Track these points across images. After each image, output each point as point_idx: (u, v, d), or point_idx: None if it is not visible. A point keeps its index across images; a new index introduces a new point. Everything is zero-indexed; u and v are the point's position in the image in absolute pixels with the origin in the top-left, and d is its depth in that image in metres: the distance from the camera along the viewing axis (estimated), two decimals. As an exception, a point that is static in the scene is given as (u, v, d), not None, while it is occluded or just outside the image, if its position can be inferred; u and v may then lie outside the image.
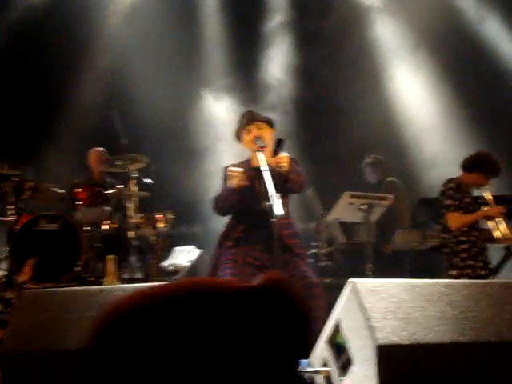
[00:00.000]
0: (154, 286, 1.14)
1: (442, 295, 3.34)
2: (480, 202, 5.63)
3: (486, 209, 5.56)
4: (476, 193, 5.71)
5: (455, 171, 5.84)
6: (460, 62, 8.96)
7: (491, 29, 9.20)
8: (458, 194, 5.57)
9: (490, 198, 5.60)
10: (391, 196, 6.61)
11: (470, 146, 7.49)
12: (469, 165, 5.63)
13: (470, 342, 3.16)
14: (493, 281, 4.40)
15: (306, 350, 1.15)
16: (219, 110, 9.35)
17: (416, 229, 7.11)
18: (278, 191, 4.04)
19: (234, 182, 4.46)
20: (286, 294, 1.13)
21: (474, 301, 3.37)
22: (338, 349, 3.38)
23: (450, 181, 5.68)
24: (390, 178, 7.59)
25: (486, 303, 3.38)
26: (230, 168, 4.53)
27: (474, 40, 9.14)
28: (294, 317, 1.12)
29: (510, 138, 8.31)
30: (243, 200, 4.60)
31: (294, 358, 1.13)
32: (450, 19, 9.10)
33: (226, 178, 4.69)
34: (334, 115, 9.35)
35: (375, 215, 6.56)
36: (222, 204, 4.63)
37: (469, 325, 3.23)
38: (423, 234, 6.97)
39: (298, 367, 1.13)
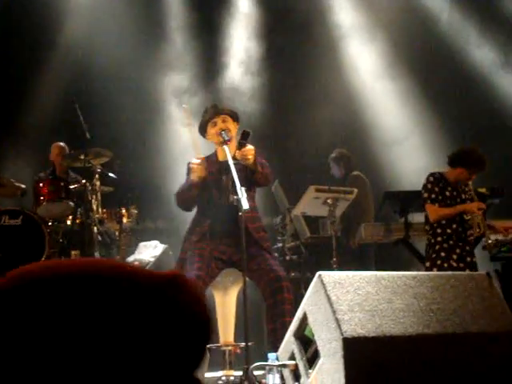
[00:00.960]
0: (57, 261, 1.09)
1: (408, 287, 3.37)
2: (464, 196, 5.67)
3: (466, 204, 5.61)
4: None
5: (420, 166, 5.91)
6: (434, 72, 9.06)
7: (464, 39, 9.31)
8: (437, 187, 5.61)
9: (471, 193, 5.65)
10: (356, 190, 6.64)
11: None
12: (453, 159, 5.68)
13: (436, 334, 3.20)
14: (457, 273, 4.44)
15: (201, 355, 1.09)
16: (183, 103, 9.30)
17: (381, 222, 7.15)
18: (243, 185, 4.04)
19: (194, 175, 4.45)
20: (188, 292, 1.08)
21: (439, 293, 3.40)
22: (305, 342, 3.38)
23: (432, 174, 5.72)
24: (355, 172, 7.62)
25: (451, 295, 3.42)
26: (190, 161, 4.51)
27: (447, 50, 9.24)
28: (191, 317, 1.07)
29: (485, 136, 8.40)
30: (209, 194, 4.59)
31: (187, 359, 1.07)
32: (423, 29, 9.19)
33: (189, 172, 4.68)
34: (299, 109, 9.36)
35: (340, 209, 6.58)
36: (183, 198, 4.62)
37: (434, 317, 3.26)
38: (388, 227, 7.02)
39: (191, 369, 1.08)
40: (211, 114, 4.65)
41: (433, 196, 5.61)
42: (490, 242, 5.63)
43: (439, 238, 5.59)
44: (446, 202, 5.61)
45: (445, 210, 5.58)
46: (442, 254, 5.55)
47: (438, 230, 5.61)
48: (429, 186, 5.65)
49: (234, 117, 4.72)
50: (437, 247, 5.59)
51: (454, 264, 5.50)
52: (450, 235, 5.57)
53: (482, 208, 5.54)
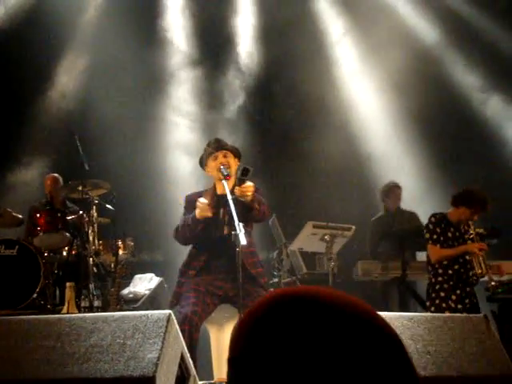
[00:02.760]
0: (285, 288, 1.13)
1: (405, 328, 3.35)
2: (466, 237, 5.67)
3: (467, 245, 5.61)
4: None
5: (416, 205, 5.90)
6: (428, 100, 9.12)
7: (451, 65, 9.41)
8: (439, 227, 5.62)
9: (472, 233, 5.65)
10: (353, 227, 6.64)
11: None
12: (456, 199, 5.70)
13: (432, 377, 3.16)
14: (454, 315, 4.40)
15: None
16: (182, 136, 9.34)
17: (377, 260, 7.13)
18: (241, 220, 4.03)
19: (201, 214, 4.41)
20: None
21: (436, 335, 3.38)
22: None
23: (434, 215, 5.75)
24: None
25: (448, 337, 3.39)
26: (199, 199, 4.48)
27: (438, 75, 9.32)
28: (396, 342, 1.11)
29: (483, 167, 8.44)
30: (206, 228, 4.57)
31: None
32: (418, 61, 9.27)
33: (188, 206, 4.66)
34: (296, 143, 9.39)
35: (337, 246, 6.57)
36: (185, 233, 4.58)
37: (431, 359, 3.23)
38: (385, 265, 7.00)
39: None
40: (213, 148, 4.66)
41: (434, 237, 5.61)
42: (493, 283, 5.61)
43: (440, 278, 5.59)
44: (448, 242, 5.62)
45: (446, 251, 5.59)
46: (442, 294, 5.54)
47: (440, 271, 5.61)
48: (431, 226, 5.66)
49: (236, 153, 4.72)
50: (437, 287, 5.59)
51: (452, 305, 5.48)
52: (451, 276, 5.57)
53: (483, 249, 5.54)
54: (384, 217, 7.32)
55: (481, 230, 5.79)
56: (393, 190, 7.29)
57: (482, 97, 9.27)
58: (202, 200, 4.45)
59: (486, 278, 5.68)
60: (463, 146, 8.96)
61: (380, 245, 7.14)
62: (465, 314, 4.49)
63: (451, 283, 5.55)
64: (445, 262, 5.60)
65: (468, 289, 5.59)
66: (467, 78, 9.36)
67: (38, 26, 8.86)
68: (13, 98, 8.81)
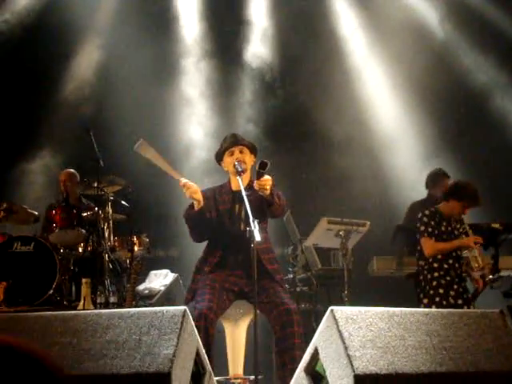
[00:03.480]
0: None
1: (421, 324, 3.33)
2: (460, 231, 5.60)
3: (461, 238, 5.54)
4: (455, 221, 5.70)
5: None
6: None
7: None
8: (433, 221, 5.55)
9: (467, 227, 5.58)
10: (368, 222, 6.62)
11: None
12: (447, 193, 5.63)
13: (448, 373, 3.15)
14: (470, 310, 4.39)
15: None
16: (199, 132, 9.35)
17: (393, 256, 7.11)
18: (256, 216, 4.02)
19: (188, 193, 4.38)
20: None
21: (452, 330, 3.36)
22: (316, 377, 3.34)
23: (426, 208, 5.67)
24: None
25: (464, 333, 3.37)
26: (186, 182, 4.41)
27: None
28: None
29: (488, 164, 8.39)
30: (221, 223, 4.58)
31: None
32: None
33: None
34: (312, 139, 9.37)
35: (352, 242, 6.56)
36: (187, 221, 4.56)
37: (447, 355, 3.21)
38: (400, 261, 6.97)
39: None
40: (229, 143, 4.66)
41: (429, 229, 5.53)
42: (490, 277, 5.54)
43: (436, 274, 5.50)
44: (442, 236, 5.54)
45: (442, 245, 5.51)
46: (441, 291, 5.46)
47: (435, 265, 5.52)
48: (425, 219, 5.57)
49: (252, 149, 4.71)
50: (434, 283, 5.50)
51: (452, 301, 5.42)
52: (448, 270, 5.49)
53: (478, 242, 5.46)
54: (426, 202, 7.21)
55: (497, 225, 5.75)
56: (442, 178, 7.07)
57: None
58: (182, 180, 4.41)
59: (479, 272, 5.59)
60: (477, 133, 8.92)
61: (395, 240, 7.10)
62: (481, 310, 4.47)
63: (448, 278, 5.47)
64: (439, 257, 5.52)
65: (463, 284, 5.52)
66: (477, 67, 9.31)
67: (54, 19, 8.90)
68: (27, 95, 8.85)
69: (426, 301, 5.49)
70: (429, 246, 5.52)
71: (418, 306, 5.48)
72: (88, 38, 9.35)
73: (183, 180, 4.40)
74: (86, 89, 9.26)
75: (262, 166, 4.19)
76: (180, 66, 9.61)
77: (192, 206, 4.51)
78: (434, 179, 7.07)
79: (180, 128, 9.42)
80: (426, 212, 5.59)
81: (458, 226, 5.62)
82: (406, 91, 9.24)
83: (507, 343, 3.42)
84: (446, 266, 5.49)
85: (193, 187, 4.39)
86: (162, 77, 9.32)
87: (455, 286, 5.46)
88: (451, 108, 9.09)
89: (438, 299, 5.44)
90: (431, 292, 5.48)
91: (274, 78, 9.62)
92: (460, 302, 5.42)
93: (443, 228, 5.56)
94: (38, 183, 8.76)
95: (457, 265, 5.50)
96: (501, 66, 9.18)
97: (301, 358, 3.57)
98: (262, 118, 9.36)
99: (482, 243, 5.49)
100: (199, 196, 4.41)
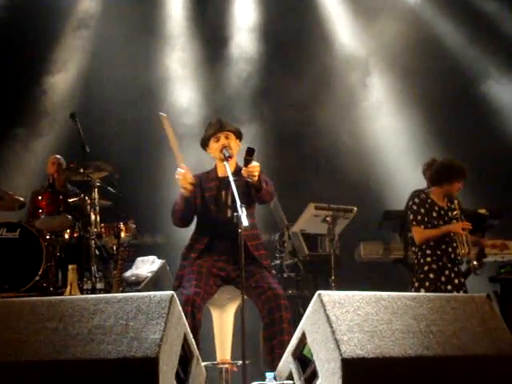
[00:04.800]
0: None
1: (408, 308, 3.34)
2: (451, 215, 5.58)
3: (450, 225, 5.52)
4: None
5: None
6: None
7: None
8: (423, 208, 5.54)
9: (457, 212, 5.56)
10: (355, 208, 6.63)
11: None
12: (435, 178, 5.61)
13: (435, 356, 3.16)
14: (457, 295, 4.42)
15: None
16: (186, 119, 9.31)
17: (380, 241, 7.13)
18: (243, 202, 4.01)
19: (181, 185, 4.40)
20: None
21: (439, 314, 3.37)
22: (304, 361, 3.35)
23: (417, 195, 5.64)
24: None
25: (451, 317, 3.38)
26: (181, 170, 4.43)
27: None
28: None
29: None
30: (207, 210, 4.57)
31: None
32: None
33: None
34: (298, 124, 9.36)
35: (339, 227, 6.57)
36: (174, 212, 4.57)
37: (434, 339, 3.23)
38: (387, 246, 6.99)
39: None
40: (215, 129, 4.63)
41: (418, 217, 5.52)
42: (474, 263, 5.53)
43: (428, 259, 5.50)
44: (432, 222, 5.53)
45: (430, 232, 5.50)
46: (431, 276, 5.46)
47: (428, 251, 5.51)
48: (414, 207, 5.56)
49: (238, 134, 4.69)
50: (425, 268, 5.50)
51: (442, 287, 5.42)
52: (441, 256, 5.49)
53: (466, 227, 5.45)
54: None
55: (483, 211, 5.75)
56: (430, 168, 7.10)
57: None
58: (179, 170, 4.40)
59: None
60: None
61: (382, 226, 7.11)
62: (468, 294, 4.50)
63: (440, 264, 5.47)
64: (431, 243, 5.51)
65: (456, 269, 5.52)
66: (467, 50, 9.34)
67: (39, 5, 8.84)
68: (13, 81, 8.78)
69: (416, 285, 5.50)
70: (418, 234, 5.51)
71: (410, 290, 5.49)
72: (73, 21, 9.29)
73: (182, 169, 4.39)
74: (71, 75, 9.19)
75: (250, 152, 4.17)
76: (166, 46, 9.57)
77: (179, 198, 4.51)
78: (425, 169, 7.13)
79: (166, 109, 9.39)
80: (416, 200, 5.57)
81: (452, 211, 5.59)
82: (393, 75, 9.25)
83: (493, 327, 3.44)
84: (438, 252, 5.48)
85: (188, 179, 4.39)
86: (146, 59, 9.29)
87: (446, 272, 5.46)
88: (440, 94, 9.09)
89: (427, 284, 5.45)
90: (421, 276, 5.49)
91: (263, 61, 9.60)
92: (449, 287, 5.41)
93: (434, 213, 5.54)
94: (24, 169, 8.70)
95: (450, 249, 5.49)
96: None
97: (289, 342, 3.57)
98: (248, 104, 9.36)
99: (470, 229, 5.47)
100: (190, 188, 4.41)
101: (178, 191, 4.53)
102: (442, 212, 5.56)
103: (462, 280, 5.53)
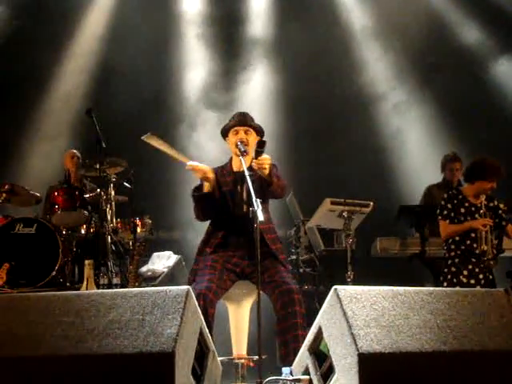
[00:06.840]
0: None
1: (425, 303, 3.32)
2: (481, 211, 5.59)
3: (473, 221, 5.55)
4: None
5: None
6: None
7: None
8: (451, 203, 5.58)
9: (484, 209, 5.58)
10: (371, 203, 6.59)
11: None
12: (469, 175, 5.66)
13: (453, 351, 3.14)
14: (475, 289, 4.36)
15: None
16: (201, 115, 9.32)
17: (396, 236, 7.08)
18: (258, 196, 3.99)
19: (198, 175, 4.40)
20: None
21: (457, 309, 3.35)
22: (320, 356, 3.33)
23: (449, 190, 5.75)
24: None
25: (469, 312, 3.36)
26: (191, 163, 4.42)
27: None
28: None
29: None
30: (223, 205, 4.55)
31: None
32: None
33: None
34: (315, 119, 9.33)
35: (355, 222, 6.53)
36: (195, 204, 4.57)
37: (451, 333, 3.20)
38: (403, 241, 6.96)
39: None
40: (236, 122, 4.62)
41: (444, 212, 5.62)
42: (491, 262, 5.54)
43: (452, 253, 5.61)
44: (459, 218, 5.57)
45: (453, 227, 5.61)
46: (453, 269, 5.56)
47: (452, 246, 5.63)
48: (442, 202, 5.69)
49: (259, 131, 4.66)
50: (449, 262, 5.62)
51: (464, 280, 5.48)
52: (464, 251, 5.55)
53: (487, 224, 5.48)
54: (440, 185, 7.19)
55: (502, 205, 5.73)
56: (448, 162, 7.14)
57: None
58: (191, 162, 4.40)
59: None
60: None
61: (399, 221, 7.07)
62: (485, 289, 4.46)
63: (463, 258, 5.54)
64: (457, 238, 5.60)
65: (482, 264, 5.53)
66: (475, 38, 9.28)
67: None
68: (28, 76, 8.81)
69: (441, 278, 5.60)
70: (443, 228, 5.64)
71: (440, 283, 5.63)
72: (90, 14, 9.32)
73: (190, 163, 4.38)
74: (87, 69, 9.22)
75: (260, 144, 4.16)
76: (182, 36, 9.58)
77: (201, 186, 4.49)
78: (442, 163, 7.17)
79: (184, 109, 9.40)
80: (445, 195, 5.71)
81: (492, 209, 5.63)
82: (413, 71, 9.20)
83: (511, 322, 3.41)
84: (462, 246, 5.57)
85: (202, 169, 4.39)
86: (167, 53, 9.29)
87: (470, 266, 5.52)
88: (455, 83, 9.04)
89: (449, 277, 5.57)
90: (445, 270, 5.62)
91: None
92: (472, 281, 5.48)
93: (463, 209, 5.60)
94: (40, 165, 8.74)
95: (475, 245, 5.53)
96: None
97: (303, 337, 3.56)
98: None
99: (491, 225, 5.50)
100: (211, 175, 4.42)
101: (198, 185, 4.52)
102: (473, 209, 5.61)
103: (491, 276, 5.55)
